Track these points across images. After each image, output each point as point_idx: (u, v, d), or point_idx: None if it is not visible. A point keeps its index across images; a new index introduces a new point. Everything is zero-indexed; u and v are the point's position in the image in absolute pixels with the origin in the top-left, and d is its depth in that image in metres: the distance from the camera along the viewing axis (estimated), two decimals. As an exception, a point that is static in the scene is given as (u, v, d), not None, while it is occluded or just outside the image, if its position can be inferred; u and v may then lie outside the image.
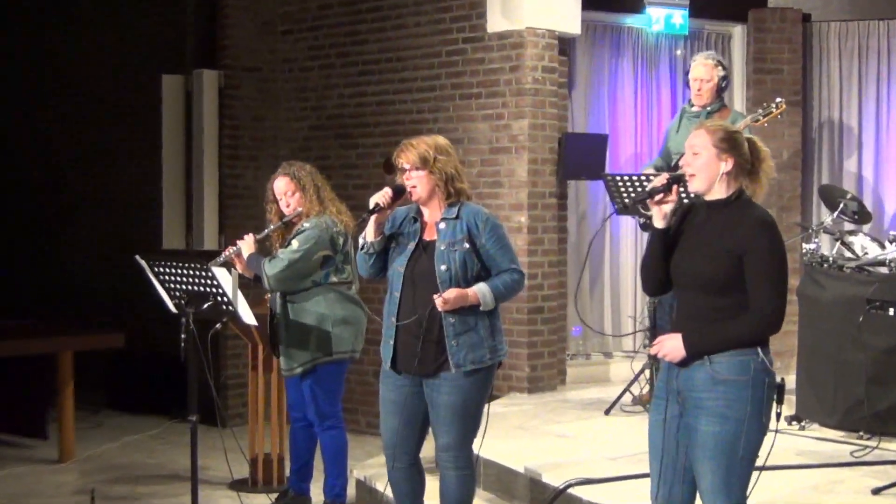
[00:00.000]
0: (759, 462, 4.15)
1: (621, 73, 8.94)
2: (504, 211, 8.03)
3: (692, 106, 7.29)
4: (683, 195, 4.26)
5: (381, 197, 4.93)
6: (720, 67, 7.22)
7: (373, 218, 4.95)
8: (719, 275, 4.06)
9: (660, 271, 4.26)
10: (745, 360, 4.06)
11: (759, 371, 4.07)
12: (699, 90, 7.19)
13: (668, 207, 4.20)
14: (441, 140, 5.06)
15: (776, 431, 4.15)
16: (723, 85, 7.25)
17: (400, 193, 4.97)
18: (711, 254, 4.09)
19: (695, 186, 4.18)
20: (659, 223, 4.23)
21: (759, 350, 4.09)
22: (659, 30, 8.82)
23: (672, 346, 4.13)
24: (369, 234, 4.99)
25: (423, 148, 4.96)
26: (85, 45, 10.85)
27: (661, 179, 4.21)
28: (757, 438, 4.10)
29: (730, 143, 4.14)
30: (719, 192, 4.16)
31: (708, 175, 4.14)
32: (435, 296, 4.82)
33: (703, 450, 4.07)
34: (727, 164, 4.13)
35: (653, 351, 4.26)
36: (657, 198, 4.20)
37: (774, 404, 4.11)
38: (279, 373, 6.61)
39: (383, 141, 8.83)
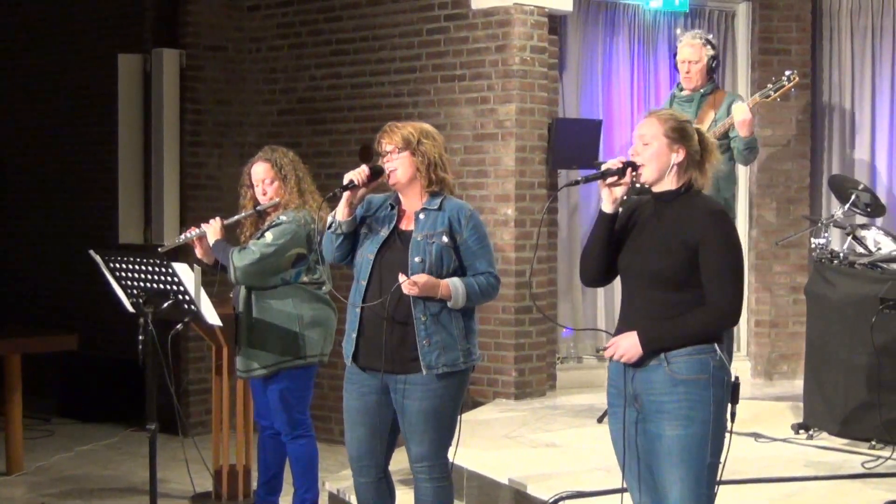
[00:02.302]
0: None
1: (616, 54, 8.95)
2: (489, 202, 8.04)
3: (682, 90, 7.31)
4: (636, 183, 4.33)
5: (357, 174, 4.94)
6: (709, 47, 7.24)
7: (345, 195, 4.95)
8: (675, 269, 4.15)
9: (602, 259, 4.35)
10: (704, 359, 4.15)
11: (717, 369, 4.17)
12: (688, 73, 7.20)
13: (619, 191, 4.29)
14: (428, 126, 5.10)
15: (731, 432, 4.22)
16: (713, 65, 7.27)
17: (377, 174, 4.98)
18: (665, 248, 4.18)
19: (644, 176, 4.27)
20: (608, 207, 4.32)
21: (716, 347, 4.17)
22: (657, 7, 8.84)
23: (628, 345, 4.20)
24: (339, 213, 4.99)
25: (407, 130, 5.00)
26: (34, 21, 10.81)
27: (616, 162, 4.30)
28: (721, 442, 4.20)
29: (681, 133, 4.26)
30: (669, 184, 4.27)
31: (658, 165, 4.25)
32: (401, 276, 4.80)
33: (670, 457, 4.14)
34: (678, 155, 4.25)
35: (607, 353, 4.32)
36: (609, 180, 4.28)
37: (729, 405, 4.21)
38: (245, 377, 6.60)
39: (358, 126, 8.83)
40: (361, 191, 4.99)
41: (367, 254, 4.99)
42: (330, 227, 5.05)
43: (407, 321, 4.88)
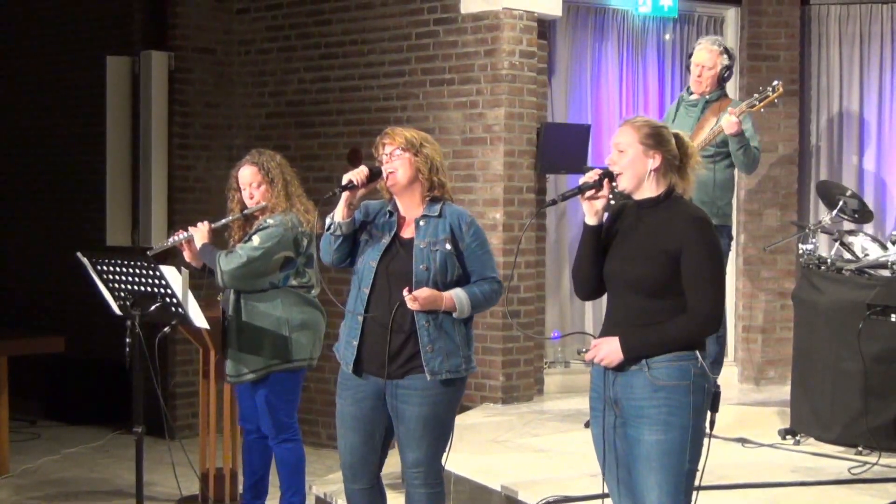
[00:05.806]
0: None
1: (605, 59, 8.96)
2: (478, 207, 8.04)
3: (691, 93, 7.31)
4: (616, 191, 4.34)
5: (357, 175, 4.90)
6: (725, 55, 7.21)
7: (344, 196, 4.92)
8: (657, 277, 4.17)
9: (593, 272, 4.36)
10: (685, 365, 4.17)
11: (698, 376, 4.19)
12: (699, 76, 7.19)
13: (599, 204, 4.30)
14: (426, 134, 5.09)
15: (710, 436, 4.24)
16: (725, 74, 7.25)
17: (376, 175, 4.95)
18: (647, 255, 4.20)
19: (622, 185, 4.29)
20: (591, 220, 4.33)
21: (698, 354, 4.19)
22: (646, 12, 8.85)
23: (609, 349, 4.23)
24: (338, 214, 4.95)
25: (410, 134, 5.00)
26: (23, 22, 10.79)
27: (592, 175, 4.31)
28: (699, 449, 4.22)
29: (656, 138, 4.27)
30: (649, 191, 4.29)
31: (635, 172, 4.27)
32: (405, 291, 4.78)
33: (648, 461, 4.16)
34: (654, 161, 4.26)
35: (588, 356, 4.33)
36: (588, 194, 4.29)
37: (709, 413, 4.25)
38: (232, 380, 6.59)
39: (347, 130, 8.82)
40: (361, 191, 4.95)
41: (369, 261, 4.95)
42: (328, 228, 5.02)
43: (410, 329, 4.86)
